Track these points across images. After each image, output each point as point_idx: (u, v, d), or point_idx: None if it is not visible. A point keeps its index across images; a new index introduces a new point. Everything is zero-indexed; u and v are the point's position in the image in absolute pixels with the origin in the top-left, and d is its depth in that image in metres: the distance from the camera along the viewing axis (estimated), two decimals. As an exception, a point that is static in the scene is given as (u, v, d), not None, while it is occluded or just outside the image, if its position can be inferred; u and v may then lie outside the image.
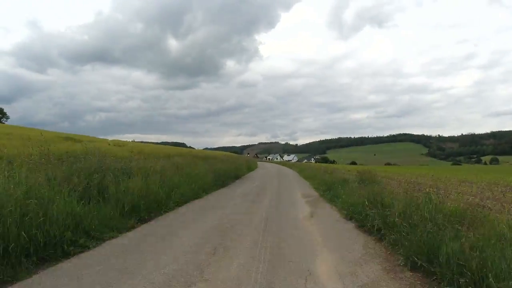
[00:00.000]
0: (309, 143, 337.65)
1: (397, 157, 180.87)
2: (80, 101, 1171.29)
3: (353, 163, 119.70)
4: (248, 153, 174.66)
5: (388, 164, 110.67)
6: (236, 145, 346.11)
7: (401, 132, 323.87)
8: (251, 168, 30.48)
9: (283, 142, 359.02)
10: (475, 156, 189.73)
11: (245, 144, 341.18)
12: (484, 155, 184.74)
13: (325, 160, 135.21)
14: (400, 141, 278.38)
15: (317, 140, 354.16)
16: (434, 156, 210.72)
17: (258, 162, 58.44)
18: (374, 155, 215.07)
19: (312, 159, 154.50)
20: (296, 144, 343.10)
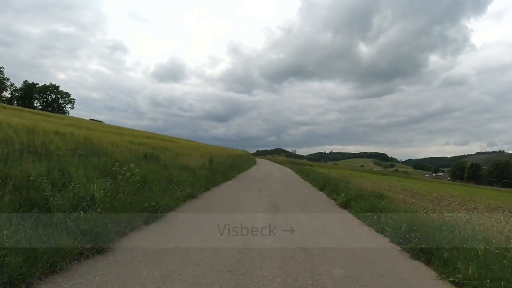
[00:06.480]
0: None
1: None
2: (284, 116, 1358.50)
3: None
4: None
5: None
6: (446, 156, 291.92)
7: None
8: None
9: (510, 152, 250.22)
10: None
11: (457, 155, 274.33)
12: None
13: None
14: None
15: None
16: None
17: None
18: None
19: None
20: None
